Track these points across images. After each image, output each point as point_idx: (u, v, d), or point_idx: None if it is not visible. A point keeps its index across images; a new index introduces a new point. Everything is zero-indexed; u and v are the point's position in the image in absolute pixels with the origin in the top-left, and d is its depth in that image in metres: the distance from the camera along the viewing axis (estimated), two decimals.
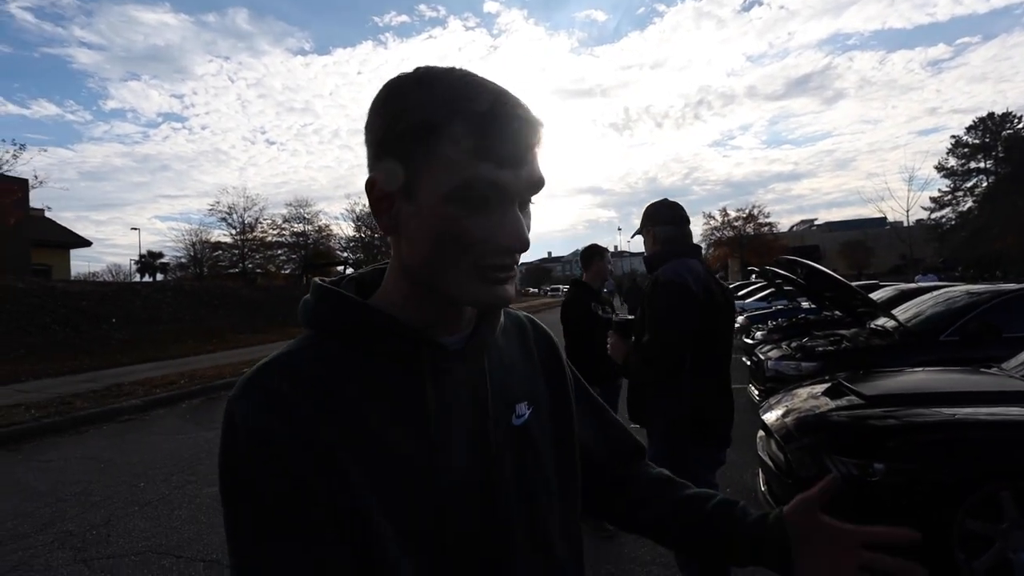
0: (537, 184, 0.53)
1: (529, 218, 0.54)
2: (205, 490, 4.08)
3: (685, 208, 2.15)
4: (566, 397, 0.72)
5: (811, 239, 51.95)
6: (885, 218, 38.97)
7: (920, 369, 3.88)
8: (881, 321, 5.55)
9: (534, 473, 0.63)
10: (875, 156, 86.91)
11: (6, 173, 14.64)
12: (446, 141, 0.49)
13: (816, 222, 61.28)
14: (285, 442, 0.48)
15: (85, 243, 24.34)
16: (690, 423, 1.89)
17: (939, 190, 42.78)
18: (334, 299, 0.57)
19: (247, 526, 0.48)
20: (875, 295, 7.76)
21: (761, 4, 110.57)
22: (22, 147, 14.58)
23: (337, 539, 0.49)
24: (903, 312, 5.49)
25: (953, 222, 42.36)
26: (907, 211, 32.80)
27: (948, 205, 43.05)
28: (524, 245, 0.52)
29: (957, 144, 43.05)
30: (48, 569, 3.01)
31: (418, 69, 0.53)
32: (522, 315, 0.75)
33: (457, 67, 0.53)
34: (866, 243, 42.96)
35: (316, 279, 0.61)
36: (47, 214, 20.40)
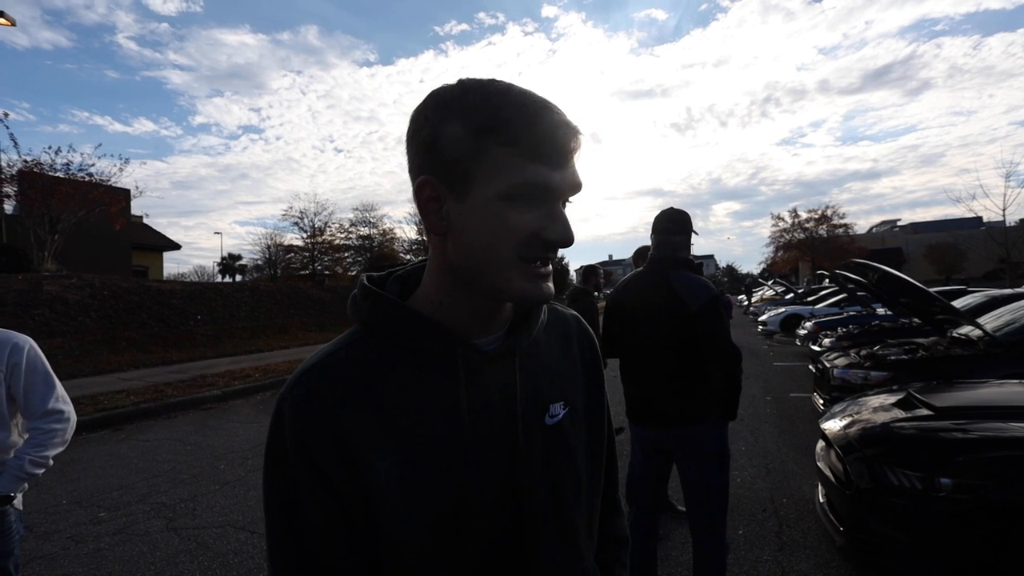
0: (577, 186, 0.57)
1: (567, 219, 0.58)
2: None
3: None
4: (601, 398, 0.75)
5: (892, 241, 48.08)
6: (980, 218, 35.33)
7: (1006, 382, 3.58)
8: (965, 330, 5.15)
9: (564, 472, 0.65)
10: (967, 150, 79.28)
11: (112, 184, 16.38)
12: (499, 146, 0.53)
13: (899, 223, 56.66)
14: (313, 438, 0.55)
15: (175, 246, 26.69)
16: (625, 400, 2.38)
17: None
18: (373, 298, 0.62)
19: (273, 504, 0.58)
20: (961, 302, 7.16)
21: None
22: (126, 161, 16.31)
23: (340, 524, 0.56)
24: (993, 320, 5.05)
25: None
26: (1004, 210, 29.69)
27: None
28: (569, 240, 0.56)
29: None
30: (146, 535, 3.40)
31: (461, 81, 0.56)
32: (568, 313, 0.76)
33: (496, 78, 0.57)
34: (957, 246, 39.21)
35: (363, 276, 0.66)
36: (145, 220, 22.57)
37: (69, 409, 1.68)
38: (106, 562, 3.08)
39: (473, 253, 0.56)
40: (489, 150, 0.53)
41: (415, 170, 0.58)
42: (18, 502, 1.62)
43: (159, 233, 26.10)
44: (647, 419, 2.25)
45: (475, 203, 0.55)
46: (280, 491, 0.57)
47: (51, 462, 1.63)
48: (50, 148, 15.69)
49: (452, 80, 0.58)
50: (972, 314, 5.62)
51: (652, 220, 2.39)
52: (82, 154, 15.83)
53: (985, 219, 35.13)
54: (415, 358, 0.59)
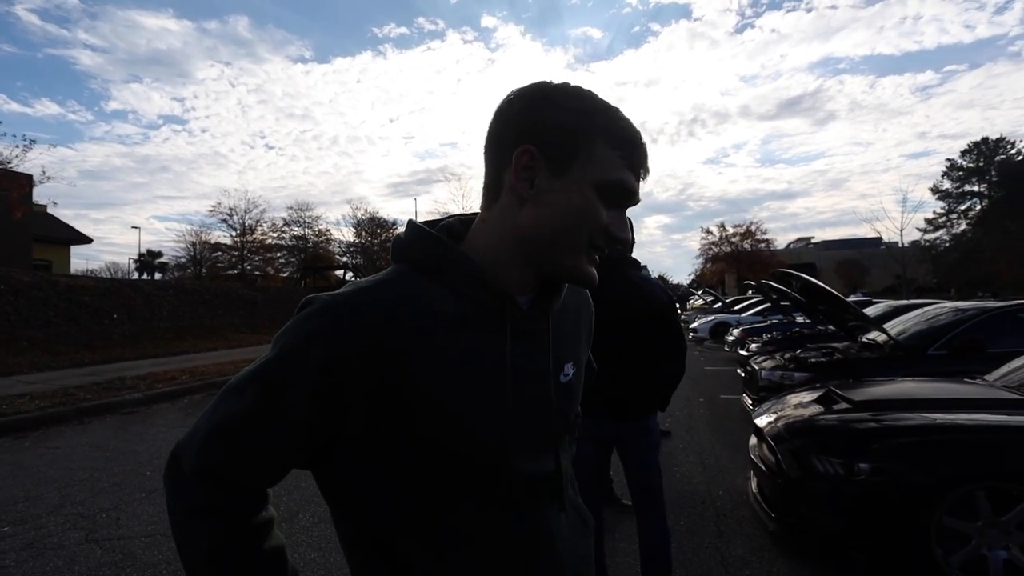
0: (639, 200, 0.67)
1: None
2: None
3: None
4: (587, 359, 0.83)
5: (807, 257, 52.20)
6: (880, 238, 39.26)
7: (908, 378, 4.02)
8: (872, 335, 5.71)
9: (570, 427, 0.73)
10: (867, 177, 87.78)
11: (11, 169, 14.73)
12: (605, 145, 0.61)
13: (812, 240, 61.66)
14: (342, 364, 0.56)
15: (86, 240, 24.38)
16: None
17: (933, 212, 43.36)
18: (429, 240, 0.64)
19: (261, 386, 0.58)
20: (868, 311, 7.93)
21: (753, 27, 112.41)
22: (31, 143, 14.68)
23: (304, 437, 0.58)
24: (892, 327, 5.64)
25: (947, 244, 42.81)
26: (901, 231, 33.20)
27: (942, 227, 43.55)
28: (628, 240, 0.68)
29: (952, 167, 43.63)
30: (61, 547, 3.09)
31: (567, 83, 0.65)
32: None
33: (583, 86, 0.65)
34: (861, 262, 43.27)
35: (409, 219, 0.67)
36: (50, 210, 20.46)
37: None
38: None
39: (554, 225, 0.61)
40: (598, 146, 0.62)
41: (516, 138, 0.62)
42: None
43: (66, 225, 23.70)
44: (609, 413, 2.26)
45: (571, 183, 0.61)
46: (278, 385, 0.58)
47: None
48: None
49: (554, 78, 0.67)
50: (878, 321, 6.23)
51: None
52: None
53: (884, 239, 39.00)
54: (464, 304, 0.61)
